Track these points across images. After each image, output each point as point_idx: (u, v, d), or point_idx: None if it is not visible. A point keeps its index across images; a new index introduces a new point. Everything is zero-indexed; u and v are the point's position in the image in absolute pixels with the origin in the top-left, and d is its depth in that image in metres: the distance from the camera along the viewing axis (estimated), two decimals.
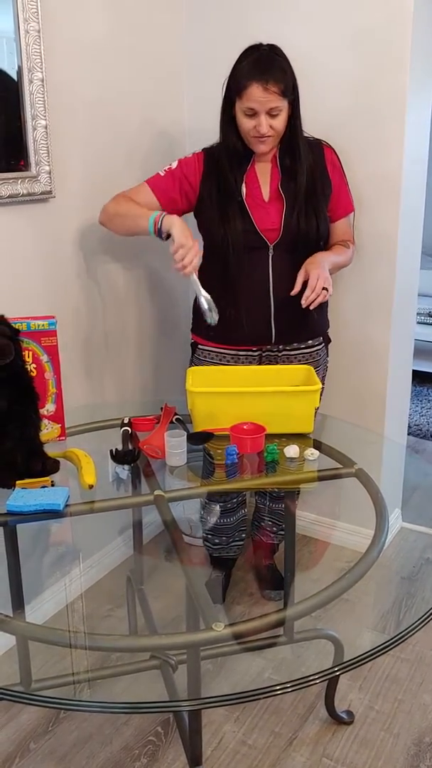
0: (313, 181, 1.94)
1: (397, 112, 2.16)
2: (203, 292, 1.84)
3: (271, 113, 1.82)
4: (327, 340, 2.15)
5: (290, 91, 1.83)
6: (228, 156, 1.92)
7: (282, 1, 2.25)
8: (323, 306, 2.07)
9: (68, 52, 2.01)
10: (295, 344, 2.04)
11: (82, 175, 2.13)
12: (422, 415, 3.90)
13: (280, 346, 2.03)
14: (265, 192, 1.94)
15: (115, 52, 2.17)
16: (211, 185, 1.96)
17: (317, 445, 1.68)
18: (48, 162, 1.96)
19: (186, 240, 1.79)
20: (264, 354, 2.03)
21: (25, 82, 1.87)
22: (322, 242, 2.01)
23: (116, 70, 2.19)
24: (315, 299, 1.83)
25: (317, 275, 1.84)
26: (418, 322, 3.95)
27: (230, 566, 2.40)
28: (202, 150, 2.00)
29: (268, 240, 1.92)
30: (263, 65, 1.79)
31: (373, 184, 2.24)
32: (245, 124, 1.85)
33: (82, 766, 1.77)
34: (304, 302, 1.83)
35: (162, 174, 2.00)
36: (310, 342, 2.07)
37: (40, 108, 1.91)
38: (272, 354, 2.03)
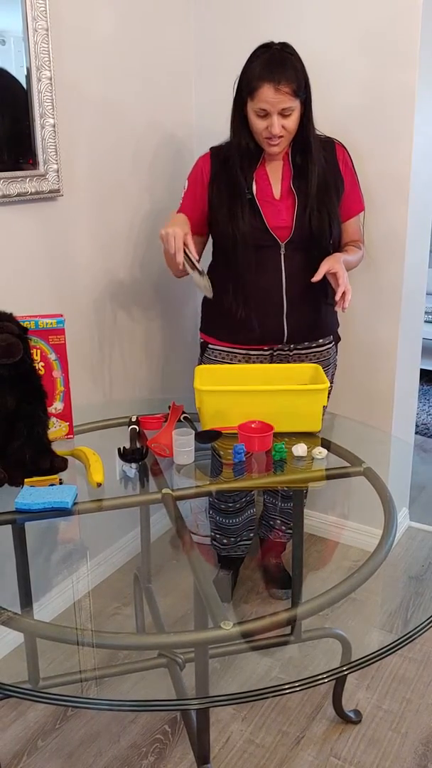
0: (325, 179, 1.93)
1: (405, 111, 2.15)
2: (197, 265, 1.82)
3: (284, 113, 1.80)
4: (337, 339, 2.14)
5: (302, 90, 1.81)
6: (239, 154, 1.91)
7: (290, 1, 2.24)
8: (334, 304, 2.06)
9: (76, 50, 2.01)
10: (306, 343, 2.03)
11: (90, 173, 2.13)
12: (429, 414, 3.89)
13: (291, 346, 2.02)
14: (276, 190, 1.93)
15: (123, 51, 2.17)
16: (220, 184, 1.95)
17: (325, 444, 1.67)
18: (56, 161, 1.96)
19: (166, 228, 1.80)
20: (275, 353, 2.03)
21: (34, 80, 1.87)
22: (334, 241, 1.99)
23: (124, 69, 2.19)
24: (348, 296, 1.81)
25: (344, 273, 1.83)
26: (426, 321, 3.94)
27: (238, 565, 2.40)
28: (209, 149, 2.00)
29: (279, 238, 1.91)
30: (274, 65, 1.77)
31: (382, 183, 2.23)
32: (257, 124, 1.83)
33: (90, 764, 1.77)
34: (338, 297, 1.80)
35: (182, 202, 2.02)
36: (321, 341, 2.06)
37: (48, 107, 1.91)
38: (283, 353, 2.03)
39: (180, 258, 1.79)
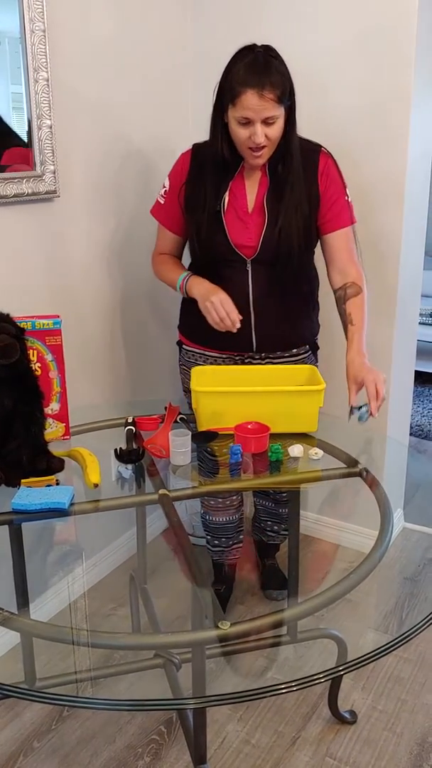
0: (299, 191, 1.82)
1: (402, 113, 2.16)
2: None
3: (267, 122, 1.69)
4: (314, 348, 2.08)
5: (287, 97, 1.71)
6: (214, 163, 1.82)
7: (287, 4, 2.25)
8: (310, 315, 2.02)
9: (73, 52, 2.01)
10: (278, 352, 1.98)
11: (87, 174, 2.13)
12: (424, 416, 3.90)
13: (263, 354, 1.98)
14: (251, 202, 1.85)
15: (121, 53, 2.18)
16: (193, 189, 1.87)
17: (321, 445, 1.68)
18: (53, 161, 1.96)
19: (205, 298, 1.79)
20: (246, 360, 1.99)
21: (31, 81, 1.87)
22: (307, 257, 1.91)
23: (121, 71, 2.19)
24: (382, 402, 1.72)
25: (373, 381, 1.70)
26: (421, 323, 3.96)
27: (231, 576, 2.37)
28: (192, 146, 1.92)
29: (245, 255, 1.85)
30: (258, 69, 1.66)
31: (378, 185, 2.24)
32: (239, 134, 1.73)
33: (86, 764, 1.77)
34: (375, 414, 1.70)
35: (161, 201, 1.96)
36: (294, 350, 2.00)
37: (45, 108, 1.91)
38: (255, 361, 1.99)
39: (236, 323, 1.77)
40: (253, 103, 1.67)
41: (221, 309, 1.78)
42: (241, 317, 1.79)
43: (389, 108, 2.17)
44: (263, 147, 1.74)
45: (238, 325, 1.79)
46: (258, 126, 1.70)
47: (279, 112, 1.71)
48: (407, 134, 2.17)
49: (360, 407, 1.72)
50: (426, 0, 2.11)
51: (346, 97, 2.23)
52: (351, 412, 1.71)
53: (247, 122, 1.70)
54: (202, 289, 1.84)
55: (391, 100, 2.17)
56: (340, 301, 1.90)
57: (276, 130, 1.73)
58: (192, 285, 1.87)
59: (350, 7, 2.16)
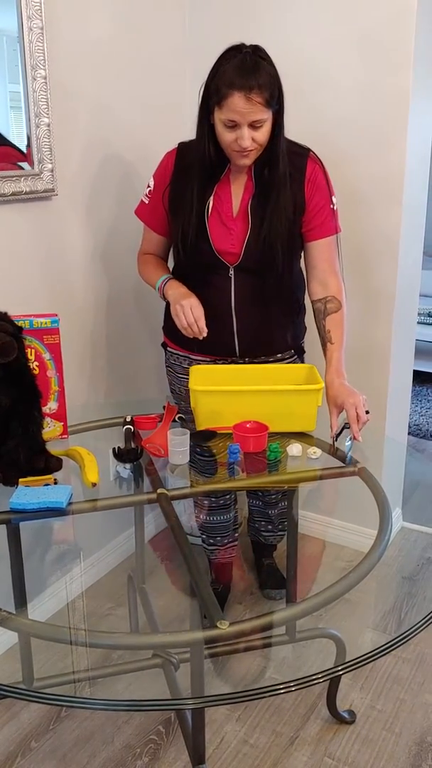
0: (284, 197, 1.77)
1: (399, 113, 2.16)
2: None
3: (254, 125, 1.64)
4: (300, 351, 2.03)
5: (275, 100, 1.65)
6: (200, 166, 1.78)
7: (285, 4, 2.25)
8: (295, 320, 1.99)
9: (71, 50, 2.01)
10: (262, 357, 1.95)
11: (85, 173, 2.13)
12: (422, 415, 3.90)
13: (246, 359, 1.95)
14: (236, 206, 1.81)
15: (119, 51, 2.17)
16: (177, 190, 1.84)
17: (319, 444, 1.68)
18: (51, 160, 1.96)
19: (176, 301, 1.77)
20: (229, 363, 1.95)
21: (29, 80, 1.86)
22: (290, 264, 1.86)
23: (119, 69, 2.19)
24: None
25: (353, 405, 1.66)
26: (419, 323, 3.97)
27: (228, 575, 2.36)
28: (177, 145, 1.89)
29: (228, 262, 1.82)
30: (246, 71, 1.60)
31: (376, 185, 2.24)
32: (226, 136, 1.68)
33: (84, 764, 1.76)
34: (359, 438, 1.64)
35: (146, 201, 1.93)
36: (279, 355, 1.97)
37: (43, 106, 1.91)
38: (239, 363, 1.94)
39: (203, 330, 1.75)
40: (240, 106, 1.61)
41: (190, 314, 1.75)
42: (206, 330, 1.75)
43: (387, 108, 2.17)
44: (250, 150, 1.70)
45: (205, 334, 1.76)
46: (245, 129, 1.65)
47: (266, 115, 1.65)
48: (405, 134, 2.17)
49: (346, 437, 1.67)
50: (425, 1, 2.11)
51: (344, 98, 2.23)
52: (335, 439, 1.68)
53: (233, 125, 1.65)
54: (177, 293, 1.82)
55: (389, 101, 2.16)
56: (319, 315, 1.88)
57: (263, 133, 1.68)
58: (168, 288, 1.85)
59: (348, 8, 2.16)
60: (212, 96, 1.66)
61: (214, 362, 1.96)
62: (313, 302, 1.90)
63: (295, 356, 2.03)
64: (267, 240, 1.78)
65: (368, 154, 2.22)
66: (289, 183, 1.78)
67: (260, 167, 1.78)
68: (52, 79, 1.93)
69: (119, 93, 2.20)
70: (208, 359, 1.97)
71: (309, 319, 2.09)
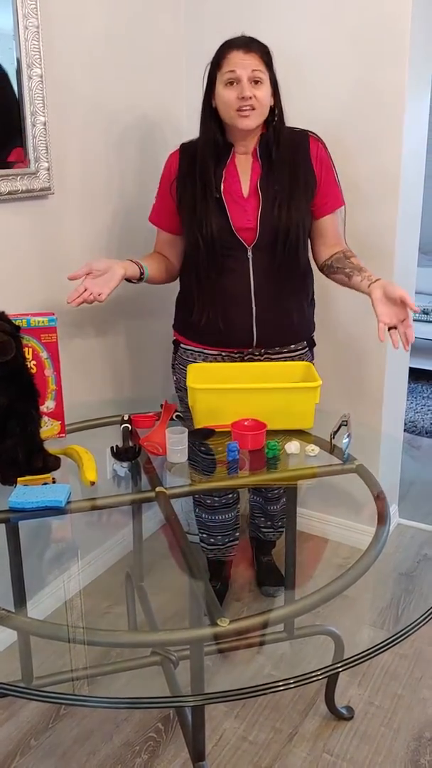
0: (294, 175, 1.86)
1: (396, 109, 2.16)
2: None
3: (254, 79, 1.75)
4: (311, 344, 2.08)
5: (271, 66, 1.79)
6: (208, 149, 1.86)
7: (281, 2, 2.25)
8: (309, 309, 2.03)
9: (67, 48, 2.00)
10: (277, 348, 1.98)
11: (81, 171, 2.13)
12: (417, 412, 3.91)
13: (262, 350, 1.97)
14: (245, 187, 1.87)
15: (115, 49, 2.17)
16: (187, 181, 1.90)
17: (317, 442, 1.68)
18: (47, 158, 1.96)
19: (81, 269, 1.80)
20: (246, 357, 1.98)
21: (24, 78, 1.86)
22: (303, 240, 1.92)
23: (115, 67, 2.18)
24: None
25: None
26: (414, 320, 3.97)
27: (227, 573, 2.37)
28: (179, 146, 1.95)
29: (245, 241, 1.86)
30: (242, 39, 1.78)
31: (372, 181, 2.24)
32: (227, 96, 1.77)
33: (83, 762, 1.77)
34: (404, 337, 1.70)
35: (154, 203, 2.00)
36: (292, 346, 2.00)
37: (39, 104, 1.90)
38: (254, 357, 1.98)
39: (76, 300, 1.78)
40: (238, 58, 1.75)
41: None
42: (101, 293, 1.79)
43: (384, 104, 2.17)
44: (252, 107, 1.77)
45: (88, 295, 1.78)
46: (245, 81, 1.75)
47: (264, 73, 1.77)
48: (402, 130, 2.17)
49: (343, 435, 1.69)
50: None
51: (340, 93, 2.23)
52: (332, 437, 1.68)
53: (234, 79, 1.76)
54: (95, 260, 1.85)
55: (385, 96, 2.16)
56: (339, 261, 1.92)
57: (263, 91, 1.78)
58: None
59: (344, 5, 2.16)
60: (213, 66, 1.80)
61: (230, 356, 1.98)
62: (326, 261, 1.96)
63: (307, 348, 2.06)
64: (281, 210, 1.84)
65: (364, 151, 2.23)
66: (295, 160, 1.87)
67: (264, 147, 1.87)
68: (48, 78, 1.92)
69: (115, 91, 2.20)
70: (224, 353, 1.99)
71: (316, 316, 2.11)
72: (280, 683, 1.15)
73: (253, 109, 1.77)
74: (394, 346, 1.70)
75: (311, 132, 1.93)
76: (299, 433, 1.70)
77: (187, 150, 1.93)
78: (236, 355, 1.99)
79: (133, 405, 2.35)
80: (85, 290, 1.78)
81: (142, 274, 1.91)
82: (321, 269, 1.99)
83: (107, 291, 1.79)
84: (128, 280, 1.91)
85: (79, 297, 1.77)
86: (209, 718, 1.88)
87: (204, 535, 2.28)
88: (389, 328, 1.72)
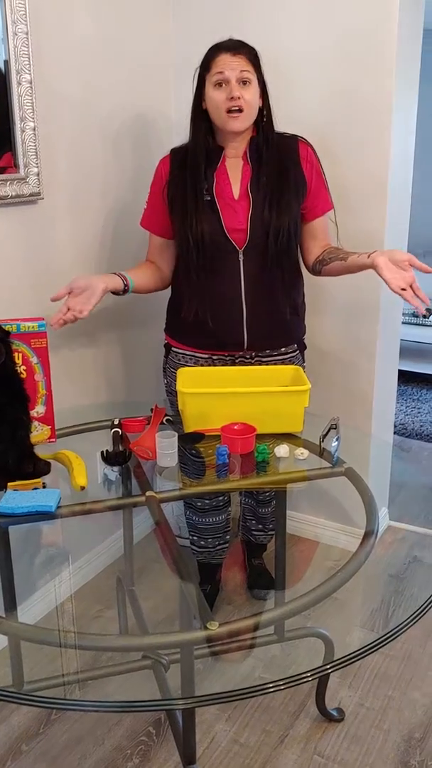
0: (284, 178, 1.88)
1: (383, 114, 2.18)
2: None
3: (242, 79, 1.78)
4: (302, 347, 2.10)
5: (258, 64, 1.82)
6: (198, 152, 1.88)
7: (269, 5, 2.26)
8: (299, 312, 2.05)
9: (57, 54, 2.01)
10: (267, 351, 2.00)
11: (71, 176, 2.13)
12: (407, 414, 3.93)
13: (253, 353, 1.99)
14: (236, 189, 1.89)
15: (104, 54, 2.17)
16: (178, 184, 1.91)
17: (307, 445, 1.69)
18: (36, 164, 1.96)
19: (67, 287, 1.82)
20: (237, 360, 2.00)
21: (13, 83, 1.86)
22: (294, 242, 1.94)
23: (105, 73, 2.19)
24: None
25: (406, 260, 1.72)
26: (404, 323, 3.99)
27: (218, 576, 2.37)
28: (170, 151, 1.98)
29: (237, 243, 1.87)
30: (230, 41, 1.82)
31: (360, 185, 2.26)
32: (217, 97, 1.80)
33: (75, 766, 1.77)
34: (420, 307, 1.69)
35: (146, 207, 2.02)
36: (283, 349, 2.02)
37: (28, 110, 1.91)
38: (245, 360, 2.00)
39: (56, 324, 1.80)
40: (227, 60, 1.78)
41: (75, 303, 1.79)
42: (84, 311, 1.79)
43: (371, 109, 2.19)
44: (240, 109, 1.80)
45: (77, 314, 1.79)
46: (233, 82, 1.78)
47: (252, 74, 1.80)
48: (389, 135, 2.19)
49: (332, 438, 1.69)
50: (407, 3, 2.13)
51: (328, 98, 2.24)
52: (321, 441, 1.69)
53: (222, 80, 1.79)
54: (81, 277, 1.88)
55: (373, 102, 2.18)
56: (331, 252, 1.96)
57: (251, 93, 1.81)
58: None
59: (332, 10, 2.18)
60: (202, 69, 1.83)
61: (222, 359, 2.00)
62: (317, 257, 1.98)
63: (298, 351, 2.07)
64: (271, 211, 1.86)
65: (352, 156, 2.24)
66: (285, 163, 1.89)
67: (254, 150, 1.89)
68: (38, 83, 1.93)
69: (105, 96, 2.21)
70: (215, 356, 2.00)
71: (307, 320, 2.12)
72: (270, 685, 1.16)
73: (242, 111, 1.80)
74: (419, 311, 1.71)
75: (301, 137, 1.95)
76: (289, 437, 1.71)
77: (177, 154, 1.95)
78: (227, 358, 2.00)
79: (125, 408, 2.36)
80: (68, 310, 1.79)
81: (126, 286, 1.92)
82: (313, 267, 2.01)
83: (88, 308, 1.80)
84: (114, 293, 1.92)
85: (60, 319, 1.79)
86: (200, 721, 1.88)
87: (195, 538, 2.29)
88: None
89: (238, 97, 1.78)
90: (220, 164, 1.90)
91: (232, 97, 1.78)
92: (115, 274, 1.91)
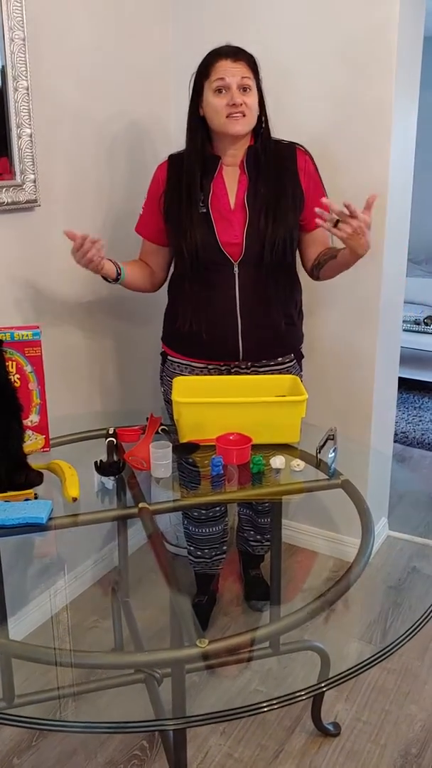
0: (281, 188, 1.86)
1: (383, 121, 2.16)
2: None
3: (243, 86, 1.77)
4: (299, 357, 2.08)
5: (257, 73, 1.81)
6: (195, 161, 1.86)
7: (269, 12, 2.25)
8: (296, 322, 2.03)
9: (54, 60, 2.00)
10: (264, 360, 1.98)
11: (68, 183, 2.12)
12: (408, 423, 3.91)
13: (249, 363, 1.97)
14: (232, 200, 1.87)
15: (101, 61, 2.16)
16: (174, 195, 1.90)
17: (303, 456, 1.67)
18: (33, 171, 1.95)
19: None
20: (233, 370, 1.98)
21: (10, 90, 1.85)
22: (291, 253, 1.93)
23: (102, 79, 2.18)
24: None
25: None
26: (404, 330, 3.97)
27: (214, 587, 2.35)
28: (167, 157, 1.96)
29: (231, 256, 1.86)
30: (229, 47, 1.80)
31: (360, 193, 2.23)
32: (217, 103, 1.78)
33: None
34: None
35: (141, 213, 2.01)
36: (280, 359, 2.00)
37: (25, 116, 1.90)
38: (241, 370, 1.98)
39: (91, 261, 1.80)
40: (227, 66, 1.77)
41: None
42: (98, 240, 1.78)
43: (371, 118, 2.17)
44: (243, 114, 1.78)
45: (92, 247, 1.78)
46: (234, 88, 1.77)
47: (252, 81, 1.79)
48: (389, 144, 2.17)
49: (329, 449, 1.67)
50: (407, 9, 2.12)
51: (327, 107, 2.23)
52: (318, 452, 1.68)
53: (222, 86, 1.77)
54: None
55: (372, 110, 2.17)
56: (326, 252, 1.93)
57: (251, 98, 1.79)
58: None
59: (331, 18, 2.16)
60: (201, 75, 1.81)
61: (217, 369, 1.98)
62: (314, 261, 1.96)
63: (295, 361, 2.05)
64: (267, 224, 1.84)
65: (352, 163, 2.23)
66: (283, 173, 1.87)
67: (251, 159, 1.87)
68: (35, 90, 1.91)
69: (102, 103, 2.19)
70: (211, 366, 1.98)
71: (305, 328, 2.10)
72: (264, 704, 1.14)
73: (244, 115, 1.79)
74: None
75: (299, 145, 1.93)
76: (285, 448, 1.69)
77: (175, 162, 1.93)
78: (223, 368, 1.98)
79: (122, 417, 2.34)
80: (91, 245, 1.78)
81: (118, 274, 1.91)
82: (312, 271, 1.99)
83: (98, 258, 1.81)
84: (104, 278, 1.91)
85: (81, 242, 1.77)
86: (195, 735, 1.86)
87: (191, 548, 2.26)
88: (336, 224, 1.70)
89: (241, 103, 1.77)
90: (217, 174, 1.88)
91: (234, 104, 1.77)
92: (109, 260, 1.90)
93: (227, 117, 1.78)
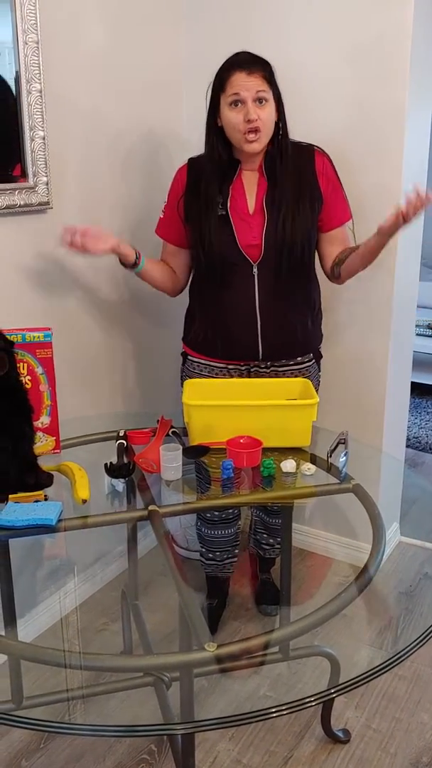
0: (300, 190, 1.87)
1: (396, 125, 2.15)
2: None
3: (258, 98, 1.76)
4: (318, 356, 2.09)
5: (274, 84, 1.79)
6: (214, 167, 1.88)
7: (282, 16, 2.25)
8: (315, 322, 2.03)
9: (67, 63, 2.00)
10: (283, 360, 1.99)
11: (80, 186, 2.12)
12: (421, 428, 3.88)
13: (268, 363, 1.98)
14: (251, 204, 1.89)
15: (114, 64, 2.17)
16: (193, 197, 1.91)
17: (314, 459, 1.66)
18: (45, 173, 1.95)
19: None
20: (252, 369, 2.00)
21: (24, 93, 1.86)
22: (309, 255, 1.94)
23: (114, 82, 2.18)
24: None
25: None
26: (417, 334, 3.95)
27: (225, 590, 2.35)
28: (187, 160, 1.97)
29: (251, 258, 1.87)
30: (243, 58, 1.78)
31: (373, 196, 2.23)
32: (233, 118, 1.78)
33: None
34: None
35: (162, 215, 2.02)
36: (299, 359, 2.01)
37: (38, 119, 1.90)
38: (261, 370, 1.99)
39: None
40: (242, 79, 1.75)
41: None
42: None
43: (384, 121, 2.16)
44: (258, 130, 1.78)
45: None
46: (249, 103, 1.76)
47: (268, 93, 1.78)
48: (402, 147, 2.16)
49: (340, 453, 1.66)
50: (420, 14, 2.11)
51: (340, 110, 2.22)
52: (329, 456, 1.66)
53: (238, 100, 1.76)
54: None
55: (386, 113, 2.16)
56: (346, 250, 1.94)
57: (268, 112, 1.78)
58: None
59: (345, 22, 2.16)
60: (216, 88, 1.80)
61: (237, 369, 1.99)
62: (334, 260, 1.96)
63: (314, 360, 2.06)
64: (286, 226, 1.84)
65: (365, 166, 2.22)
66: (301, 175, 1.87)
67: (270, 163, 1.87)
68: (47, 92, 1.92)
69: (114, 106, 2.20)
70: (231, 366, 1.99)
71: (325, 328, 2.11)
72: (273, 710, 1.13)
73: (259, 131, 1.79)
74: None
75: (317, 146, 1.94)
76: (296, 451, 1.68)
77: (194, 165, 1.95)
78: (243, 368, 1.99)
79: (139, 419, 2.34)
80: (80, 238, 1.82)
81: (138, 259, 1.92)
82: (332, 271, 1.99)
83: (95, 247, 1.84)
84: (122, 263, 1.94)
85: (70, 237, 1.82)
86: (203, 740, 1.85)
87: (203, 550, 2.26)
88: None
89: (256, 119, 1.76)
90: (236, 178, 1.89)
91: (249, 120, 1.76)
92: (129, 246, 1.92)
93: (244, 134, 1.79)
